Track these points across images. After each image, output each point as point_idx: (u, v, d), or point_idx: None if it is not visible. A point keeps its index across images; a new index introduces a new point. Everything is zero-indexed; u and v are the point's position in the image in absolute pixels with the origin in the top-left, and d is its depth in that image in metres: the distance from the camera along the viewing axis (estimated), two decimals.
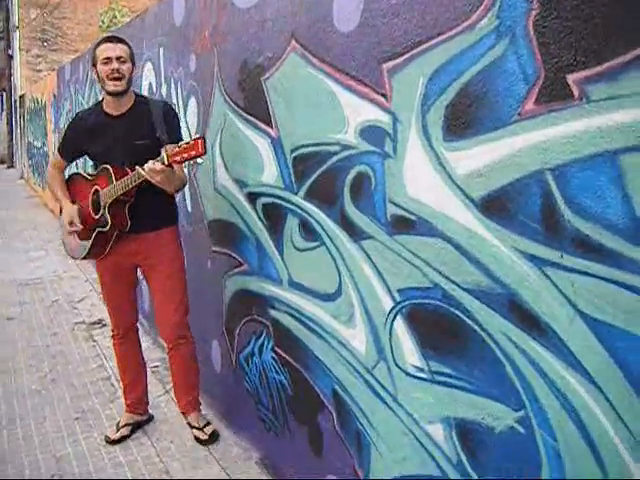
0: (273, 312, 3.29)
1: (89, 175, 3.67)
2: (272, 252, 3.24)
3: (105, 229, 3.46)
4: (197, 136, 3.05)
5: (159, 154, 3.25)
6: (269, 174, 3.21)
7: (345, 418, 2.78)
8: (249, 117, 3.37)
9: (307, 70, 2.81)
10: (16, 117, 22.21)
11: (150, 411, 4.13)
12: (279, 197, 3.13)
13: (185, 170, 3.83)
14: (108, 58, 3.37)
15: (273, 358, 3.34)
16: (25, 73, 22.21)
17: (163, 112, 3.53)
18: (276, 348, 3.31)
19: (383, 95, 2.36)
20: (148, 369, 4.30)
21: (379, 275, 2.48)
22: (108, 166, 3.42)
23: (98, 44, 3.47)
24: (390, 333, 2.46)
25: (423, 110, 2.18)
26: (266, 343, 3.40)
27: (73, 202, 3.66)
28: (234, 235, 3.66)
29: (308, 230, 2.91)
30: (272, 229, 3.23)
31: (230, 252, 3.74)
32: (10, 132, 23.47)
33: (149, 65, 5.17)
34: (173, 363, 3.81)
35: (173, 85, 4.57)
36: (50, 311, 6.45)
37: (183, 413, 3.89)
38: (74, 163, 4.30)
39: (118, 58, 3.38)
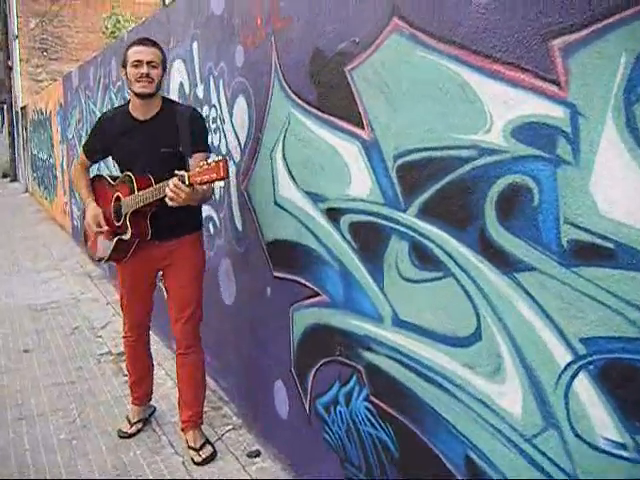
0: (368, 355, 2.67)
1: (112, 180, 3.64)
2: (365, 282, 2.62)
3: (126, 237, 3.43)
4: (219, 158, 2.91)
5: (183, 162, 3.32)
6: (359, 186, 2.59)
7: None
8: (326, 116, 2.76)
9: (419, 54, 2.21)
10: (18, 129, 21.68)
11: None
12: (376, 214, 2.51)
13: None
14: (139, 61, 3.30)
15: (368, 409, 2.73)
16: (26, 84, 21.68)
17: (190, 119, 3.40)
18: (372, 398, 2.69)
19: (553, 82, 1.74)
20: None
21: (547, 318, 1.86)
22: (131, 175, 3.36)
23: (130, 45, 3.38)
24: (566, 395, 1.83)
25: (627, 100, 1.56)
26: (357, 391, 2.79)
27: (97, 204, 3.66)
28: (305, 259, 3.04)
29: (424, 257, 2.29)
30: (365, 254, 2.61)
31: (300, 279, 3.12)
32: (12, 145, 22.97)
33: (179, 63, 4.55)
34: (179, 372, 3.75)
35: (213, 84, 3.95)
36: (71, 340, 5.82)
37: (182, 430, 3.78)
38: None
39: (149, 62, 3.31)
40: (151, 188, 3.22)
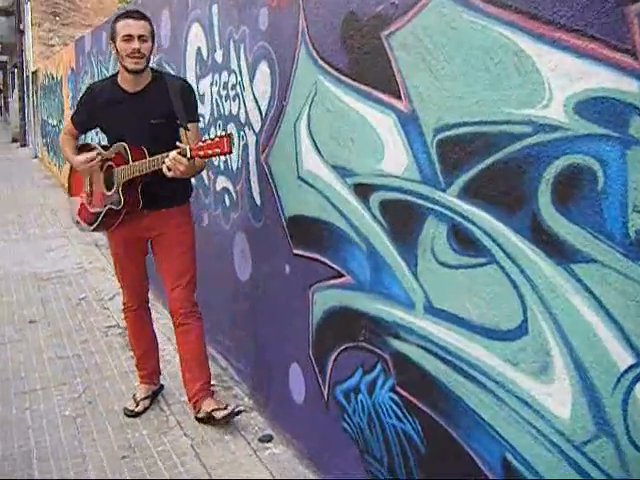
0: (396, 343, 2.49)
1: (103, 148, 3.57)
2: (396, 265, 2.44)
3: (117, 207, 3.41)
4: (224, 133, 3.00)
5: (175, 133, 3.29)
6: (394, 161, 2.40)
7: None
8: (359, 85, 2.56)
9: (467, 19, 2.01)
10: (29, 94, 21.45)
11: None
12: (411, 193, 2.32)
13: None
14: (129, 35, 3.26)
15: (393, 400, 2.55)
16: (37, 48, 21.37)
17: (180, 89, 3.40)
18: (398, 389, 2.52)
19: (627, 52, 1.54)
20: None
21: (607, 315, 1.67)
22: (125, 145, 3.36)
23: (118, 18, 3.33)
24: (625, 401, 1.64)
25: None
26: (381, 380, 2.61)
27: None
28: (329, 237, 2.85)
29: (465, 241, 2.10)
30: (397, 234, 2.42)
31: (322, 258, 2.94)
32: (22, 110, 22.76)
33: (196, 27, 4.33)
34: (182, 341, 3.69)
35: (233, 49, 3.74)
36: (77, 312, 5.67)
37: (195, 403, 3.66)
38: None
39: (140, 37, 3.27)
40: (148, 159, 3.23)
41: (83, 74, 9.42)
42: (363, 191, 2.59)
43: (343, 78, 2.65)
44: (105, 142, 3.70)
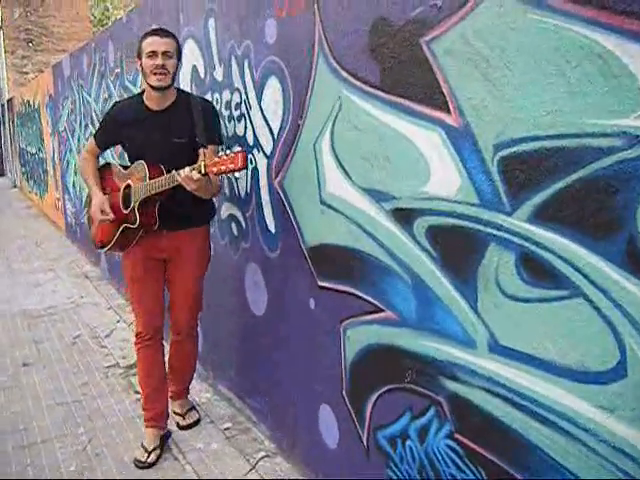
0: (453, 385, 2.21)
1: (123, 168, 3.55)
2: (451, 298, 2.16)
3: (133, 226, 3.37)
4: (239, 149, 2.96)
5: (196, 154, 3.15)
6: (442, 183, 2.13)
7: None
8: (394, 98, 2.29)
9: (533, 17, 1.74)
10: (4, 123, 21.05)
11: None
12: (467, 217, 2.05)
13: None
14: (154, 52, 3.22)
15: (451, 448, 2.27)
16: (11, 76, 21.02)
17: (203, 110, 3.32)
18: (458, 435, 2.23)
19: None
20: (219, 431, 3.84)
21: None
22: (144, 163, 3.31)
23: (145, 36, 3.30)
24: None
25: None
26: (436, 425, 2.33)
27: (104, 192, 3.58)
28: (363, 268, 2.58)
29: (540, 271, 1.83)
30: (450, 264, 2.15)
31: (355, 291, 2.66)
32: None
33: (191, 43, 4.06)
34: (174, 353, 3.78)
35: (235, 65, 3.47)
36: (73, 351, 5.33)
37: (171, 397, 3.85)
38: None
39: (164, 53, 3.23)
40: (164, 176, 3.18)
41: (63, 100, 9.10)
42: (404, 216, 2.32)
43: (374, 91, 2.39)
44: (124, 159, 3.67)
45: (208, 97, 3.81)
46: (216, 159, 2.90)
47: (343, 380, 2.84)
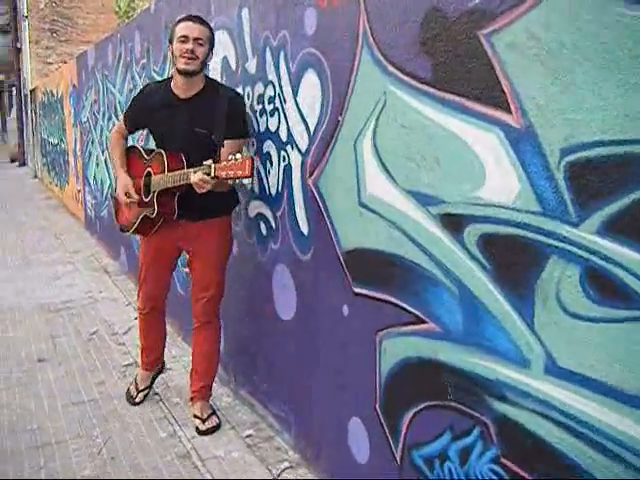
0: (502, 406, 2.05)
1: (146, 154, 3.60)
2: (503, 313, 2.00)
3: (152, 215, 3.43)
4: (247, 155, 3.06)
5: (217, 145, 3.22)
6: (499, 188, 1.96)
7: None
8: (447, 96, 2.13)
9: (616, 10, 1.56)
10: (27, 112, 21.04)
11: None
12: (527, 227, 1.88)
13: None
14: (185, 37, 3.24)
15: (495, 472, 2.10)
16: (35, 66, 21.00)
17: (228, 102, 3.28)
18: (505, 460, 2.06)
19: None
20: (240, 438, 3.70)
21: None
22: (163, 153, 3.35)
23: (178, 21, 3.32)
24: None
25: None
26: (479, 448, 2.17)
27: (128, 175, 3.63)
28: (404, 276, 2.41)
29: (609, 288, 1.66)
30: (504, 276, 1.98)
31: (395, 300, 2.50)
32: (21, 129, 22.35)
33: (222, 34, 3.90)
34: (197, 345, 3.75)
35: (270, 57, 3.31)
36: (90, 348, 5.20)
37: (191, 399, 3.80)
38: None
39: (196, 39, 3.24)
40: (179, 172, 3.19)
41: (86, 90, 8.99)
42: (454, 222, 2.15)
43: (424, 87, 2.22)
44: (151, 144, 3.75)
45: (239, 90, 3.66)
46: (225, 163, 2.93)
47: (377, 393, 2.68)
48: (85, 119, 9.28)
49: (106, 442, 3.70)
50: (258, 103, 3.49)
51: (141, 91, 3.65)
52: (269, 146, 3.37)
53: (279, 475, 3.26)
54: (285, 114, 3.20)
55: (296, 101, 3.08)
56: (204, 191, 3.07)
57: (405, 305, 2.43)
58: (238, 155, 2.93)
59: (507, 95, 1.90)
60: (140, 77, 6.03)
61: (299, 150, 3.08)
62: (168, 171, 3.28)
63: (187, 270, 3.94)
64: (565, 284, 1.78)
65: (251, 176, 2.92)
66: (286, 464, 3.37)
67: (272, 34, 3.27)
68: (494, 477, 2.11)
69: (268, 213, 3.48)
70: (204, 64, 3.33)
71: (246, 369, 3.96)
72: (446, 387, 2.28)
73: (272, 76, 3.30)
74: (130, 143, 3.98)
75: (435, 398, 2.34)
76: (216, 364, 3.82)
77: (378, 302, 2.59)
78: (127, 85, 6.55)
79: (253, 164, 2.88)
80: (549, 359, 1.86)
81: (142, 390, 4.12)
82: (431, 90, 2.19)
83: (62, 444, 3.68)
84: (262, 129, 3.45)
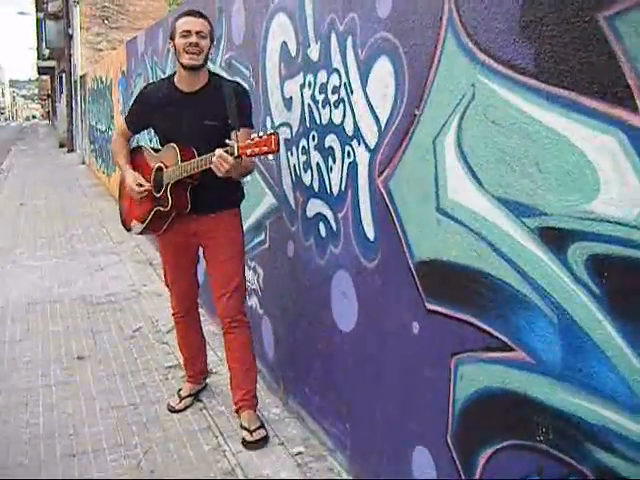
0: (607, 456, 1.74)
1: (154, 151, 3.59)
2: (615, 349, 1.69)
3: (165, 209, 3.40)
4: (271, 131, 2.99)
5: (227, 137, 3.15)
6: (618, 200, 1.64)
7: None
8: (553, 89, 1.80)
9: None
10: (76, 99, 21.11)
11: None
12: None
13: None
14: (187, 31, 3.28)
15: None
16: (85, 53, 21.05)
17: (235, 93, 3.33)
18: None
19: None
20: (289, 455, 3.41)
21: None
22: (175, 145, 3.33)
23: (178, 17, 3.37)
24: None
25: None
26: None
27: None
28: (490, 295, 2.11)
29: None
30: (620, 306, 1.67)
31: (476, 321, 2.19)
32: (70, 115, 22.48)
33: (281, 17, 3.61)
34: (228, 349, 3.62)
35: (335, 42, 3.01)
36: (132, 346, 4.98)
37: (236, 411, 3.61)
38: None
39: (198, 32, 3.28)
40: (195, 159, 3.20)
41: (136, 77, 8.80)
42: (556, 238, 1.83)
43: (523, 79, 1.91)
44: (154, 143, 3.67)
45: (299, 78, 3.39)
46: (249, 141, 2.94)
47: (449, 423, 2.38)
48: None
49: (145, 453, 3.46)
50: (320, 93, 3.20)
51: (141, 92, 3.64)
52: (332, 140, 3.08)
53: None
54: (352, 106, 2.90)
55: (365, 92, 2.78)
56: (222, 173, 3.04)
57: (489, 328, 2.13)
58: (261, 132, 2.95)
59: (633, 91, 1.57)
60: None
61: (367, 146, 2.78)
62: (182, 162, 3.28)
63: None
64: None
65: (277, 151, 2.94)
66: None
67: (339, 17, 2.98)
68: None
69: (329, 213, 3.19)
70: (207, 57, 3.36)
71: (297, 379, 3.69)
72: (535, 426, 1.97)
73: (337, 64, 3.01)
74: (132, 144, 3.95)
75: (521, 437, 2.04)
76: (254, 367, 3.65)
77: (456, 322, 2.29)
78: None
79: (278, 139, 2.91)
80: None
81: (185, 397, 3.99)
82: (532, 82, 1.88)
83: (99, 453, 3.47)
84: (324, 121, 3.16)
